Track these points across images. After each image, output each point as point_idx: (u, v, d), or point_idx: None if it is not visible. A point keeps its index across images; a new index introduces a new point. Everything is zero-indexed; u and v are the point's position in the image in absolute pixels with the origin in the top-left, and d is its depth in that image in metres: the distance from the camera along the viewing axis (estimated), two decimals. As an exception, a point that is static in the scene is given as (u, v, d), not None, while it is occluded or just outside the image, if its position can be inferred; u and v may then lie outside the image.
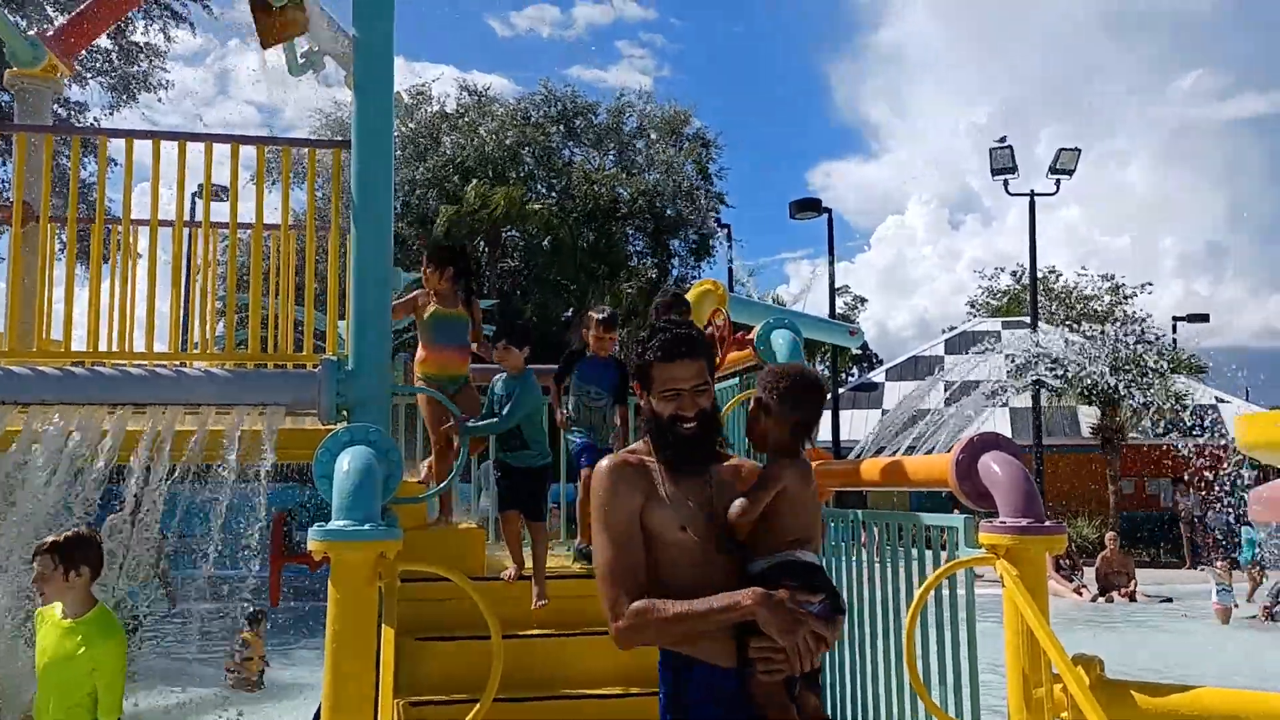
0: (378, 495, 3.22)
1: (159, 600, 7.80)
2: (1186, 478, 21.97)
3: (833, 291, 25.32)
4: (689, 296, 6.49)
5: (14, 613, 4.44)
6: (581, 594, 4.69)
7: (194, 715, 4.96)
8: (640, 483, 2.62)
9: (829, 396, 28.19)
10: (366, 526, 3.07)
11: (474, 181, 26.41)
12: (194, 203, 12.42)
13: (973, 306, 45.42)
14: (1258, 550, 16.28)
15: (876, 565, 4.19)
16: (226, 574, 5.01)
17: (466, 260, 5.74)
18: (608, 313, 5.50)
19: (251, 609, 8.65)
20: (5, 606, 4.38)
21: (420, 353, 5.47)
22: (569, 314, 28.34)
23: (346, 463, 3.32)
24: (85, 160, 18.10)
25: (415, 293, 5.73)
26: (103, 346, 5.21)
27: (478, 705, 3.10)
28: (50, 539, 4.11)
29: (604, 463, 2.68)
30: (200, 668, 8.22)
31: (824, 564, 2.80)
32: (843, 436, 25.00)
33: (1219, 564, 14.58)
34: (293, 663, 9.22)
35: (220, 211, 6.36)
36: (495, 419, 5.13)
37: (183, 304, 5.45)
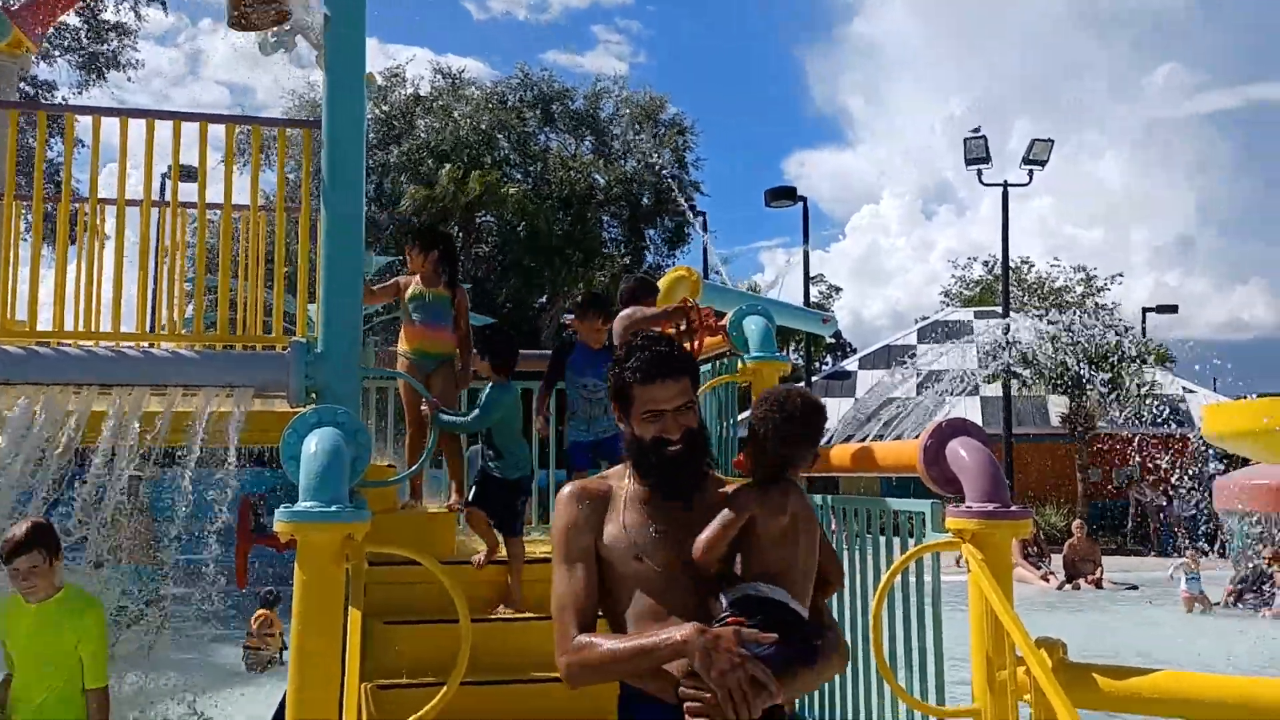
0: (345, 477, 3.20)
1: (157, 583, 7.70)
2: (1146, 468, 22.27)
3: (807, 280, 25.41)
4: (662, 283, 6.48)
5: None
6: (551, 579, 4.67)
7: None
8: (598, 511, 2.46)
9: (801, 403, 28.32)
10: (333, 508, 3.06)
11: (448, 166, 26.23)
12: (164, 183, 12.30)
13: (946, 296, 45.74)
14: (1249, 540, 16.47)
15: (845, 551, 4.21)
16: (194, 558, 4.97)
17: (451, 245, 5.75)
18: (584, 298, 5.45)
19: (270, 590, 8.61)
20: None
21: (401, 332, 5.52)
22: (543, 300, 28.27)
23: (314, 444, 3.30)
24: (53, 140, 17.84)
25: (397, 277, 5.74)
26: (69, 326, 5.15)
27: (444, 688, 3.10)
28: (24, 533, 4.11)
29: (565, 490, 2.54)
30: (179, 653, 8.14)
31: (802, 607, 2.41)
32: (815, 424, 25.08)
33: (1189, 553, 14.78)
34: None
35: (190, 192, 6.30)
36: (466, 417, 5.06)
37: (150, 285, 5.39)
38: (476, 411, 4.94)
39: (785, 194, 24.84)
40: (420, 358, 5.46)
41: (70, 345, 4.85)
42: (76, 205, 6.03)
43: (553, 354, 5.51)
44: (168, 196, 5.78)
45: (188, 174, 7.45)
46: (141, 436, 4.42)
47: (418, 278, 5.53)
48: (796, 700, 2.43)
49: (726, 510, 2.42)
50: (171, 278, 6.29)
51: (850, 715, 4.19)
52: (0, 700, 4.24)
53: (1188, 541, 17.70)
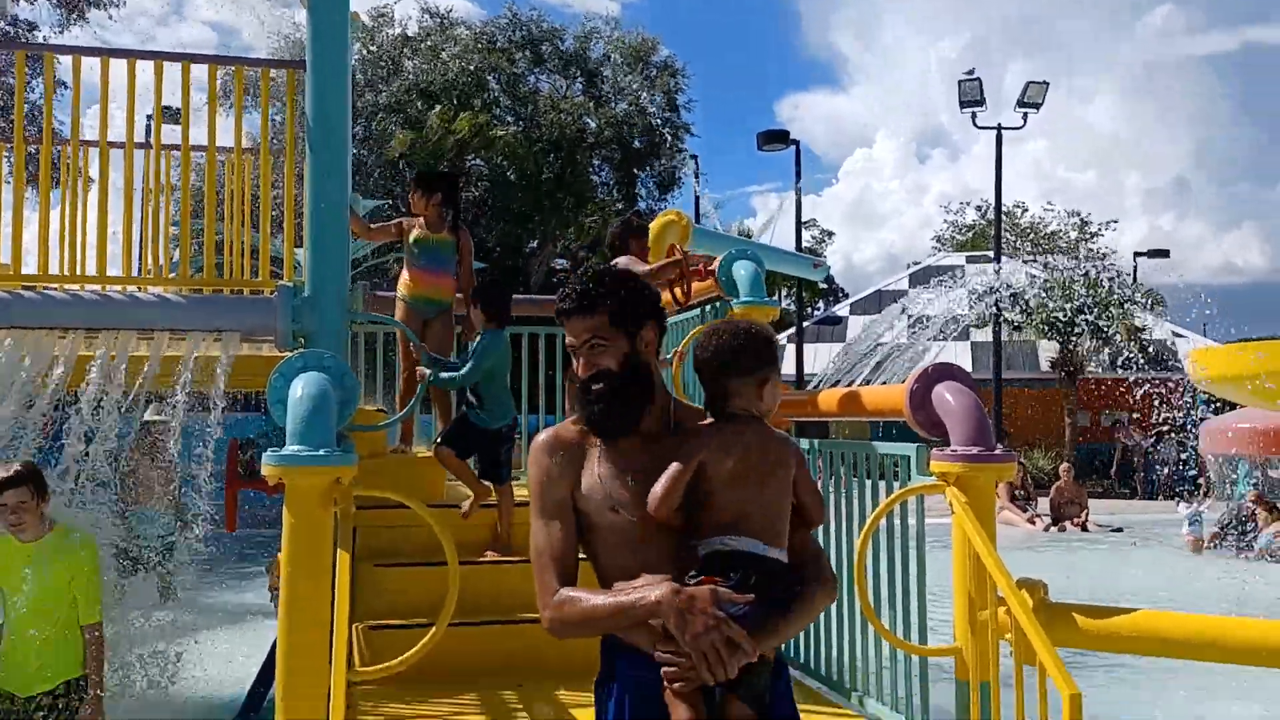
0: (333, 421, 3.21)
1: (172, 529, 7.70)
2: (1133, 412, 22.40)
3: (799, 224, 25.28)
4: (652, 228, 6.45)
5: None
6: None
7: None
8: (573, 462, 2.35)
9: (782, 343, 28.28)
10: (321, 452, 3.06)
11: (437, 107, 25.92)
12: (148, 125, 12.12)
13: (938, 241, 45.64)
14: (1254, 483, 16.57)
15: (831, 495, 4.25)
16: (184, 501, 4.99)
17: (455, 188, 5.68)
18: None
19: None
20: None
21: (403, 275, 5.48)
22: (533, 245, 28.12)
23: (301, 388, 3.30)
24: (34, 82, 17.57)
25: (400, 218, 5.70)
26: (54, 270, 5.11)
27: (433, 629, 3.14)
28: (11, 470, 4.15)
29: (539, 439, 2.39)
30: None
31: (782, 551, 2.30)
32: (806, 370, 25.19)
33: (1197, 497, 14.89)
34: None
35: (174, 134, 6.21)
36: (458, 372, 4.96)
37: (136, 229, 5.35)
38: (471, 363, 4.90)
39: (778, 137, 24.60)
40: (420, 304, 5.42)
41: (55, 289, 4.83)
42: (59, 148, 5.95)
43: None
44: (152, 139, 5.69)
45: (172, 117, 7.35)
46: (129, 380, 4.41)
47: (420, 221, 5.47)
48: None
49: (676, 459, 2.29)
50: (156, 221, 6.23)
51: (834, 655, 4.26)
52: None
53: (1174, 486, 17.85)
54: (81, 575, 4.25)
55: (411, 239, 5.45)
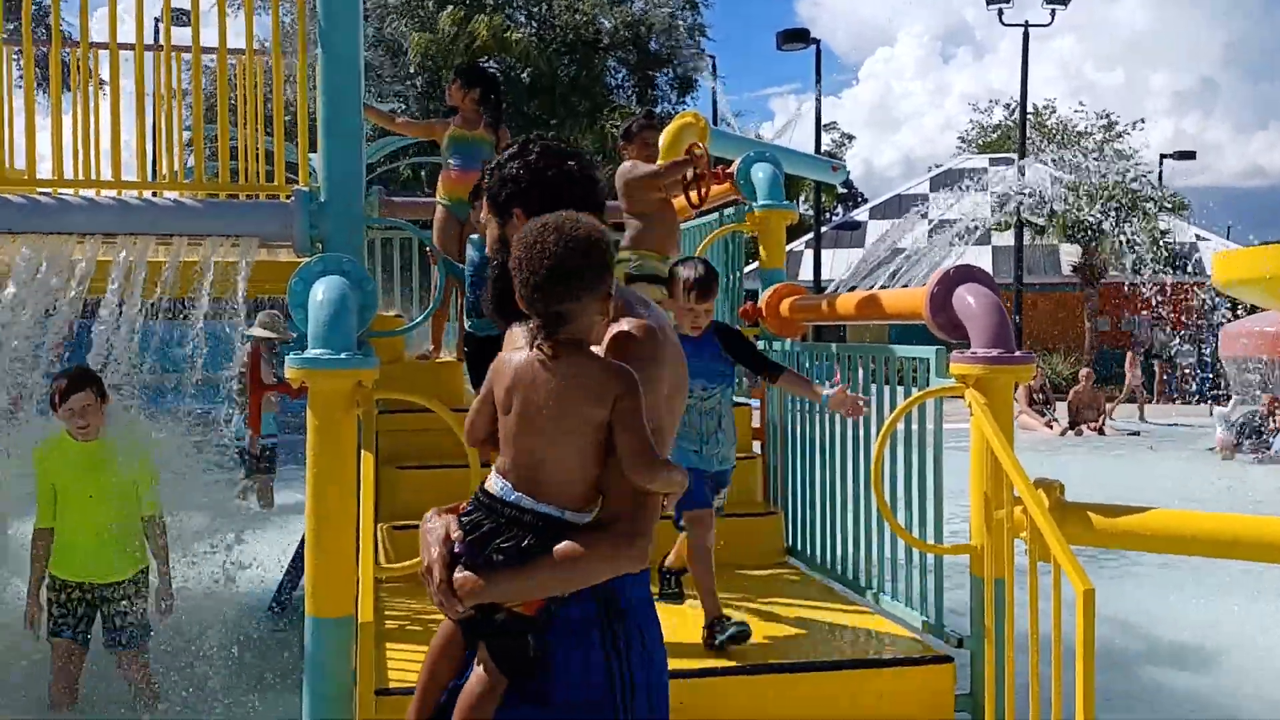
0: (353, 324, 3.22)
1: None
2: (1158, 315, 22.22)
3: (819, 127, 24.90)
4: (668, 130, 6.35)
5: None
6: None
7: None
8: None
9: (799, 249, 27.81)
10: (342, 355, 3.08)
11: (449, 8, 25.39)
12: (156, 27, 11.93)
13: (963, 142, 44.81)
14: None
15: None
16: (208, 406, 5.06)
17: (495, 84, 5.59)
18: (702, 270, 3.77)
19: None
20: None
21: (440, 177, 5.44)
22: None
23: (321, 292, 3.30)
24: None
25: (433, 119, 5.66)
26: (68, 176, 5.09)
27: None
28: (77, 373, 4.41)
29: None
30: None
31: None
32: (824, 275, 25.06)
33: (1237, 399, 14.78)
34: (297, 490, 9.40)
35: (185, 36, 6.11)
36: (472, 274, 4.83)
37: (149, 133, 5.30)
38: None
39: (797, 36, 24.06)
40: (458, 205, 5.36)
41: (71, 194, 4.81)
42: (68, 50, 5.86)
43: None
44: (162, 41, 5.60)
45: (181, 19, 7.21)
46: (148, 286, 4.44)
47: (455, 119, 5.40)
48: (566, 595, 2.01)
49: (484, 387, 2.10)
50: (170, 126, 6.17)
51: (850, 553, 4.33)
52: (44, 548, 4.42)
53: (1200, 390, 17.74)
54: (144, 469, 4.48)
55: (447, 137, 5.38)
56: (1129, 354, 21.16)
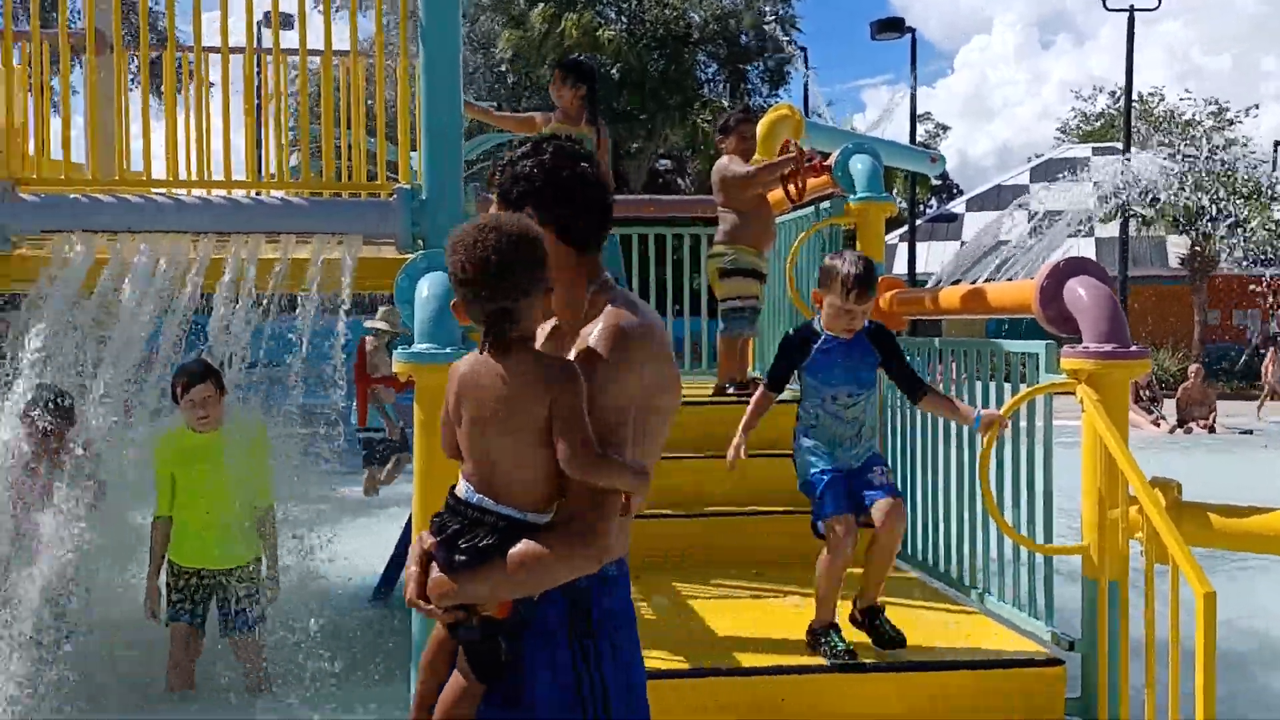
0: (458, 319, 3.26)
1: None
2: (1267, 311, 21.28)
3: (914, 118, 24.49)
4: (763, 124, 6.30)
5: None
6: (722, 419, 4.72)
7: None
8: None
9: (893, 242, 27.34)
10: (448, 349, 3.13)
11: (540, 5, 25.61)
12: (260, 31, 12.30)
13: (1063, 131, 43.51)
14: None
15: (953, 391, 4.17)
16: (315, 400, 5.20)
17: (597, 81, 5.60)
18: (862, 267, 3.47)
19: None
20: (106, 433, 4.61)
21: None
22: (635, 146, 27.79)
23: (426, 288, 3.36)
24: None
25: (532, 112, 5.70)
26: (180, 176, 5.27)
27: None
28: (198, 365, 4.59)
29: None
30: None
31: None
32: (919, 268, 24.62)
33: None
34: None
35: (290, 40, 6.28)
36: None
37: (257, 133, 5.46)
38: None
39: (892, 26, 23.65)
40: None
41: (184, 194, 4.99)
42: (180, 54, 6.06)
43: (784, 343, 3.74)
44: (267, 45, 5.78)
45: (285, 23, 7.43)
46: (259, 282, 4.58)
47: (556, 114, 5.44)
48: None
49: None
50: (277, 126, 6.35)
51: (956, 553, 4.24)
52: (162, 536, 4.59)
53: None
54: (260, 460, 4.65)
55: (545, 133, 5.42)
56: (1271, 351, 20.36)
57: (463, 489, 2.04)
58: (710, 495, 4.69)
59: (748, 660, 3.46)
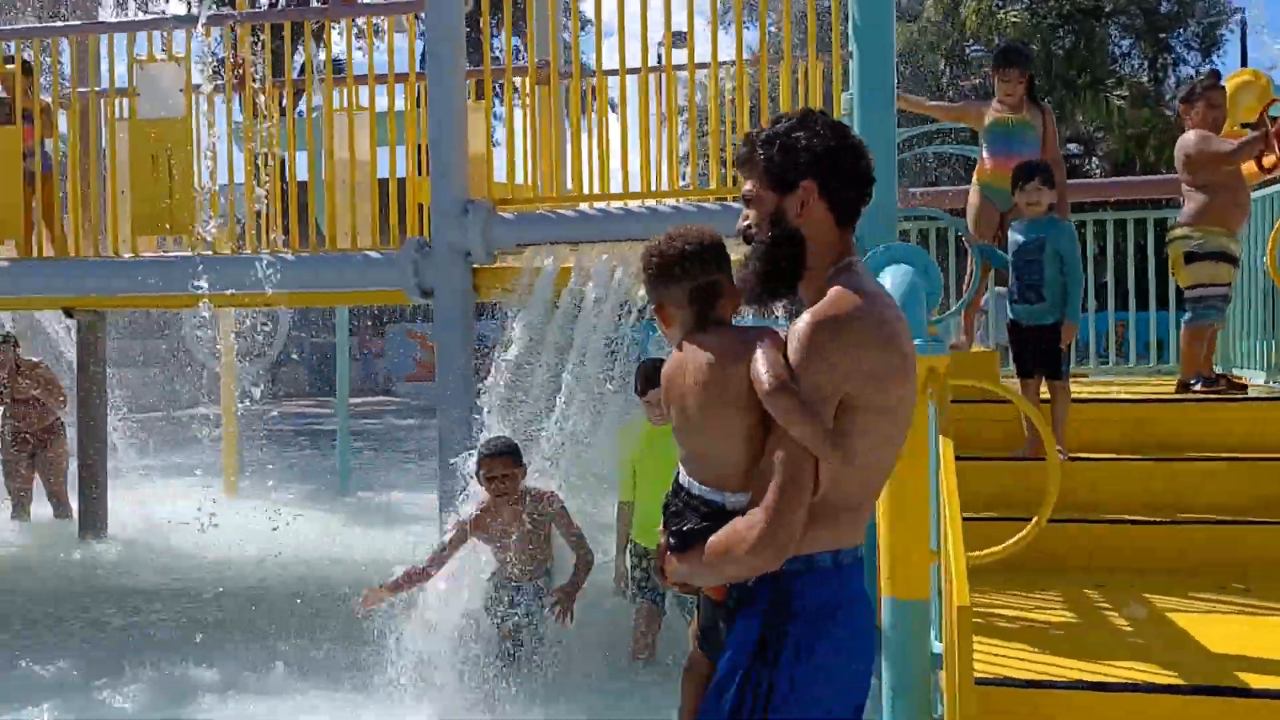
0: (924, 312, 3.22)
1: None
2: None
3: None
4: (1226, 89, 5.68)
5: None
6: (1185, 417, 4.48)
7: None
8: None
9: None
10: (917, 342, 3.08)
11: (935, -4, 24.81)
12: (659, 52, 12.98)
13: None
14: None
15: None
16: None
17: (1033, 64, 5.47)
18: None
19: None
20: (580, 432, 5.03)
21: (980, 162, 5.42)
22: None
23: (890, 280, 3.33)
24: (564, 21, 19.75)
25: (968, 101, 5.69)
26: (614, 189, 5.65)
27: (1031, 523, 3.15)
28: (655, 366, 4.67)
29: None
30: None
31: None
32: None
33: None
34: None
35: (681, 57, 6.57)
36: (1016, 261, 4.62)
37: (661, 146, 5.77)
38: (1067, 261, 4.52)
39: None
40: (994, 193, 5.27)
41: (619, 205, 5.42)
42: (585, 80, 6.56)
43: None
44: (661, 64, 6.16)
45: (678, 41, 7.78)
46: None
47: (995, 104, 5.31)
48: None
49: None
50: (672, 138, 6.64)
51: None
52: (625, 519, 4.94)
53: None
54: None
55: (988, 122, 5.29)
56: None
57: (682, 473, 2.21)
58: (1190, 502, 4.31)
59: (1255, 681, 3.09)
